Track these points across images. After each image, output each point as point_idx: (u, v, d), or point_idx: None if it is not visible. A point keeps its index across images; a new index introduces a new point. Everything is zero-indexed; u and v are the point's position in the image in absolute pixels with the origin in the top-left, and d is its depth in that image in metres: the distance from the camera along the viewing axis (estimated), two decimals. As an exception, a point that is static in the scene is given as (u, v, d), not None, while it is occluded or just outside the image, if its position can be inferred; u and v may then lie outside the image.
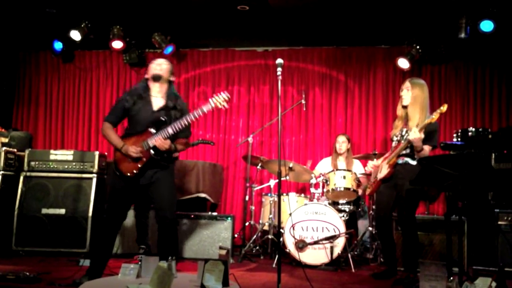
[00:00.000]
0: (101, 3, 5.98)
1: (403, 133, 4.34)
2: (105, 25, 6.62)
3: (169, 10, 6.13)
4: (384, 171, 4.39)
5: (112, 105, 4.08)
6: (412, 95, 4.32)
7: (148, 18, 6.46)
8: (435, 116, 4.01)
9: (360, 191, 5.54)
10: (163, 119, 3.85)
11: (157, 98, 3.97)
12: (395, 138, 4.45)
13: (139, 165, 3.82)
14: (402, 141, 4.31)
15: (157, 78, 3.94)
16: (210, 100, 3.88)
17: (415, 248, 4.37)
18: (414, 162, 4.26)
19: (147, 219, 5.27)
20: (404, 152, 4.29)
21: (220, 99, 3.85)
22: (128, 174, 3.84)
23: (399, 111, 4.47)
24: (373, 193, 4.76)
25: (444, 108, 3.99)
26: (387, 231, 4.52)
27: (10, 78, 7.56)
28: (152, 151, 3.80)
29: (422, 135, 4.09)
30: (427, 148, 4.20)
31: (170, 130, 3.79)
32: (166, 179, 3.94)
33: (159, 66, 3.98)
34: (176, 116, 3.89)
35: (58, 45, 6.97)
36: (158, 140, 3.77)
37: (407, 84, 4.39)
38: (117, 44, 6.81)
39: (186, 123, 3.83)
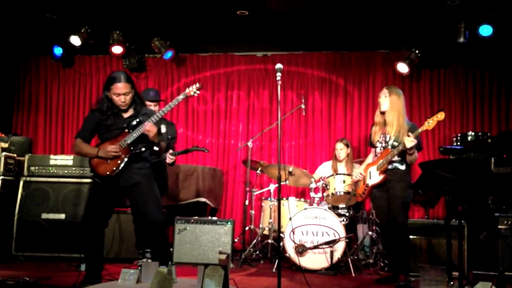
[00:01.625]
0: (101, 8, 5.99)
1: (387, 139, 4.49)
2: (105, 30, 6.63)
3: (168, 15, 6.15)
4: (376, 178, 4.52)
5: (83, 122, 4.12)
6: (390, 101, 4.49)
7: (148, 23, 6.47)
8: (432, 123, 4.13)
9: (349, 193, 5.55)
10: (137, 120, 3.89)
11: (125, 109, 3.98)
12: (378, 144, 4.59)
13: (119, 161, 3.83)
14: (390, 148, 4.44)
15: (123, 111, 3.96)
16: (184, 91, 4.09)
17: (408, 249, 4.48)
18: (403, 167, 4.43)
19: None
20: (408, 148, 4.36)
21: (193, 88, 4.05)
22: (108, 173, 3.83)
23: (377, 117, 4.65)
24: (365, 199, 4.86)
25: (441, 116, 4.13)
26: (391, 236, 4.52)
27: (10, 83, 7.56)
28: (131, 147, 3.82)
29: (415, 141, 4.21)
30: (416, 152, 4.37)
31: (153, 119, 3.84)
32: (147, 182, 3.94)
33: (124, 102, 3.89)
34: (145, 119, 3.90)
35: (58, 50, 6.98)
36: (148, 125, 3.81)
37: (384, 90, 4.58)
38: (117, 49, 6.82)
39: (164, 112, 3.91)
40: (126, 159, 3.84)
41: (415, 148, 4.31)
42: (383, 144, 4.53)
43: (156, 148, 4.04)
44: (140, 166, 3.95)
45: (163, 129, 5.12)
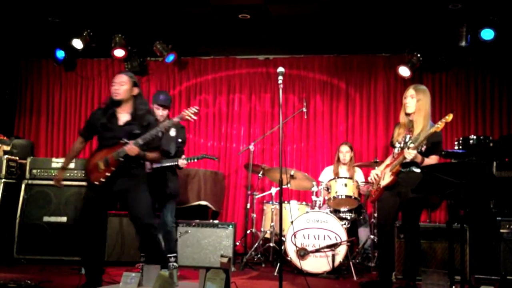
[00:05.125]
0: (103, 12, 6.01)
1: (407, 139, 4.30)
2: (107, 33, 6.65)
3: (170, 19, 6.16)
4: (387, 179, 4.35)
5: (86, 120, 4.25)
6: (416, 103, 4.27)
7: (150, 26, 6.49)
8: (440, 125, 3.98)
9: (362, 192, 5.54)
10: (134, 132, 3.91)
11: (123, 114, 4.00)
12: (397, 145, 4.38)
13: (107, 174, 3.87)
14: (405, 149, 4.28)
15: (116, 104, 3.99)
16: (180, 113, 4.07)
17: (417, 256, 4.35)
18: (418, 170, 4.21)
19: None
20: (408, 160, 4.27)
21: (190, 112, 4.04)
22: (96, 182, 3.90)
23: (402, 118, 4.40)
24: (375, 201, 4.73)
25: (449, 117, 3.97)
26: (388, 239, 4.46)
27: (12, 86, 7.57)
28: (121, 159, 3.86)
29: (415, 152, 4.07)
30: (435, 158, 4.19)
31: (140, 140, 3.85)
32: (139, 187, 3.98)
33: (116, 91, 3.96)
34: (142, 130, 3.93)
35: (60, 54, 6.99)
36: (129, 146, 3.83)
37: (411, 91, 4.32)
38: (119, 53, 6.83)
39: (154, 135, 3.89)
40: (115, 170, 3.88)
41: (436, 155, 4.18)
42: (402, 145, 4.32)
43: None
44: (134, 171, 3.98)
45: (173, 132, 5.10)
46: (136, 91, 4.04)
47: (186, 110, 4.08)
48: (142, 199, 3.95)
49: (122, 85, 3.96)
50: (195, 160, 5.16)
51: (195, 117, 4.05)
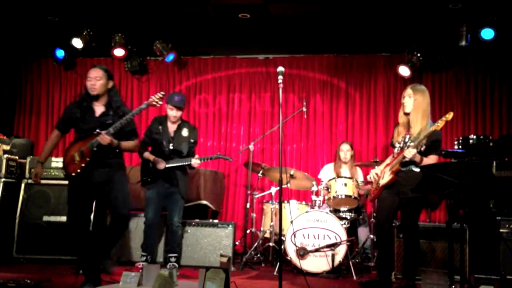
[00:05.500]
0: (102, 11, 6.00)
1: (406, 139, 4.31)
2: (107, 33, 6.64)
3: (170, 18, 6.16)
4: (386, 178, 4.35)
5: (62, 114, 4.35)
6: (414, 102, 4.29)
7: (150, 26, 6.48)
8: (440, 124, 3.97)
9: (361, 192, 5.54)
10: (108, 122, 3.99)
11: (99, 106, 4.09)
12: (397, 145, 4.39)
13: (82, 164, 3.95)
14: (405, 148, 4.29)
15: (93, 98, 4.05)
16: (148, 100, 4.15)
17: (416, 256, 4.35)
18: (417, 169, 4.21)
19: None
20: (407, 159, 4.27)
21: (155, 97, 4.10)
22: (73, 174, 3.98)
23: (401, 118, 4.43)
24: (375, 199, 4.73)
25: (449, 116, 3.97)
26: (387, 238, 4.46)
27: (12, 86, 7.57)
28: (95, 149, 3.94)
29: (415, 150, 4.08)
30: (434, 158, 4.20)
31: (111, 130, 3.93)
32: (116, 177, 4.06)
33: (93, 86, 4.02)
34: (117, 119, 4.02)
35: (60, 53, 6.99)
36: (101, 136, 3.91)
37: (408, 91, 4.35)
38: (119, 52, 6.83)
39: (125, 122, 3.97)
40: (89, 161, 3.95)
41: (435, 154, 4.19)
42: (401, 145, 4.33)
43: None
44: (111, 161, 4.06)
45: (185, 133, 5.20)
46: (111, 84, 4.11)
47: (152, 96, 4.14)
48: (119, 189, 4.04)
49: (98, 80, 4.03)
50: (209, 160, 5.25)
51: (160, 102, 4.12)
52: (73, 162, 3.98)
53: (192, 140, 5.22)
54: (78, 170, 3.94)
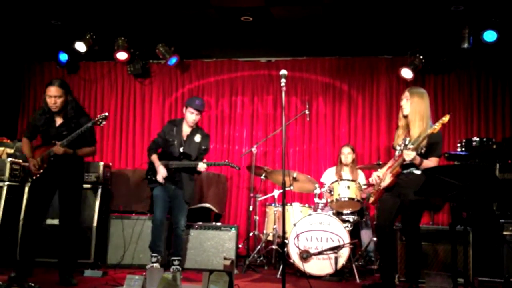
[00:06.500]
0: (105, 14, 6.03)
1: (406, 142, 4.31)
2: (110, 36, 6.67)
3: (173, 21, 6.18)
4: (387, 180, 4.36)
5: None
6: (411, 105, 4.33)
7: (152, 29, 6.51)
8: (437, 126, 4.00)
9: (363, 195, 5.53)
10: (64, 133, 4.39)
11: (58, 118, 4.49)
12: (398, 147, 4.41)
13: (41, 170, 4.42)
14: (405, 150, 4.29)
15: (55, 114, 4.45)
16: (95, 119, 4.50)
17: (419, 258, 4.34)
18: (418, 172, 4.22)
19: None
20: (407, 162, 4.27)
21: (100, 117, 4.45)
22: (34, 177, 4.46)
23: (400, 120, 4.47)
24: (376, 202, 4.73)
25: (446, 118, 3.99)
26: (388, 241, 4.44)
27: (15, 89, 7.60)
28: (51, 158, 4.38)
29: (414, 153, 4.08)
30: (434, 160, 4.20)
31: (65, 142, 4.33)
32: (69, 183, 4.47)
33: (54, 105, 4.39)
34: (73, 130, 4.40)
35: (63, 57, 7.02)
36: (55, 146, 4.33)
37: (406, 93, 4.40)
38: (122, 55, 6.86)
39: (79, 133, 4.34)
40: (47, 167, 4.39)
41: (435, 156, 4.18)
42: (402, 147, 4.33)
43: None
44: (68, 169, 4.43)
45: (198, 138, 5.24)
46: (69, 97, 4.46)
47: (98, 116, 4.49)
48: (70, 197, 4.46)
49: (58, 98, 4.39)
50: (216, 166, 5.28)
51: (104, 122, 4.46)
52: (35, 167, 4.40)
53: (203, 147, 5.26)
54: (38, 175, 4.40)
